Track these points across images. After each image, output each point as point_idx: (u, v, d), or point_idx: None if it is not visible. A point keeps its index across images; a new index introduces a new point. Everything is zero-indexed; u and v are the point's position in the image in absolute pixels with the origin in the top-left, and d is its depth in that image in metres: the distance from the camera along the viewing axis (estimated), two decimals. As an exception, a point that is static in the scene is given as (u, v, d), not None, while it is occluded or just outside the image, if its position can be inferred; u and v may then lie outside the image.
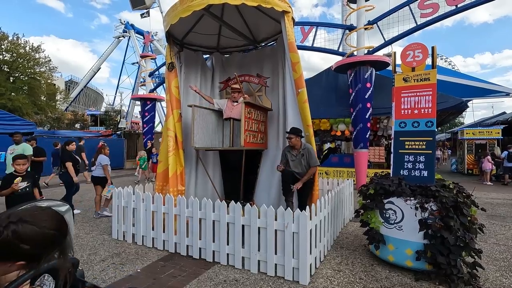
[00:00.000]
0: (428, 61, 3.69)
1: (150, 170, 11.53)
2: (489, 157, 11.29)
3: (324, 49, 10.34)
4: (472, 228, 3.11)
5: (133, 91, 35.43)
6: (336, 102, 10.63)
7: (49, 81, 23.89)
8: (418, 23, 8.55)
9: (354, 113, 9.20)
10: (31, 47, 21.67)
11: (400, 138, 3.63)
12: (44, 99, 23.28)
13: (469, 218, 3.09)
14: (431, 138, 3.44)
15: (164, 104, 27.97)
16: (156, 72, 18.76)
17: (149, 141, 12.29)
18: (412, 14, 8.65)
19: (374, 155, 11.14)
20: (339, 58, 9.70)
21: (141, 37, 33.22)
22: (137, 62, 31.82)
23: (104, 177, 5.73)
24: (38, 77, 22.12)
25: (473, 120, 22.21)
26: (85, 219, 5.62)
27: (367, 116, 9.01)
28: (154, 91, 17.79)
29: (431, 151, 3.43)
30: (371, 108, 9.04)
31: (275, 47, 5.48)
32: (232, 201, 3.56)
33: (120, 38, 40.49)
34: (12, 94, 19.54)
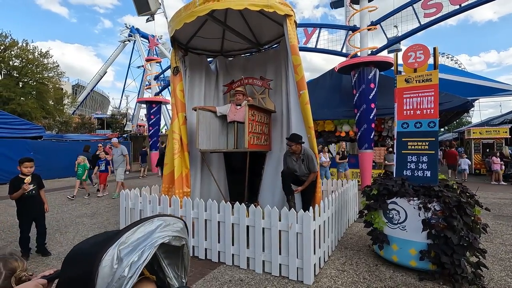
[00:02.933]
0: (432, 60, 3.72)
1: (92, 181, 9.56)
2: (494, 157, 11.14)
3: (328, 50, 10.37)
4: (476, 228, 3.12)
5: (138, 94, 35.91)
6: (340, 103, 10.63)
7: (57, 85, 24.33)
8: (422, 23, 8.54)
9: (358, 114, 9.20)
10: (39, 52, 22.12)
11: (403, 139, 3.65)
12: (52, 103, 23.68)
13: (472, 218, 3.10)
14: (434, 139, 3.46)
15: (169, 106, 28.26)
16: (161, 75, 18.99)
17: (99, 144, 9.53)
18: (416, 14, 8.65)
19: (379, 155, 11.11)
20: (342, 59, 9.72)
21: (146, 40, 33.67)
22: (143, 66, 32.19)
23: None
24: (46, 82, 22.55)
25: (480, 119, 21.94)
26: (93, 220, 5.73)
27: (371, 117, 9.01)
28: (160, 94, 18.00)
29: (433, 151, 3.44)
30: (375, 109, 9.04)
31: (278, 49, 5.54)
32: (237, 202, 3.62)
33: (125, 42, 41.06)
34: (21, 99, 19.94)
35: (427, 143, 3.48)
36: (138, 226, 0.93)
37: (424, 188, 3.32)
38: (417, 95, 3.54)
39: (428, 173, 3.45)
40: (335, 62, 9.87)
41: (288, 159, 4.36)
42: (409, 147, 3.59)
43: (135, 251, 0.85)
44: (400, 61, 3.96)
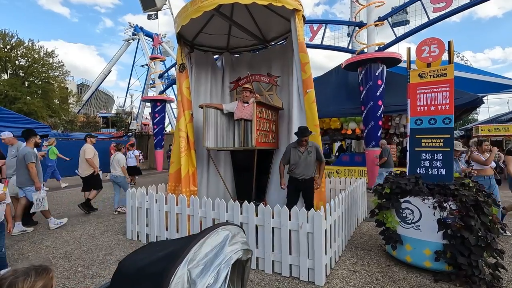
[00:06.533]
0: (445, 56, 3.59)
1: None
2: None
3: (334, 47, 10.25)
4: (494, 228, 3.01)
5: (142, 93, 35.96)
6: (347, 100, 10.49)
7: (62, 84, 24.42)
8: (431, 18, 8.38)
9: (365, 111, 9.07)
10: (45, 52, 22.21)
11: (417, 136, 3.54)
12: (58, 102, 23.80)
13: (490, 218, 2.99)
14: (449, 135, 3.35)
15: (173, 105, 28.29)
16: (165, 74, 19.00)
17: None
18: (424, 9, 8.49)
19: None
20: (346, 55, 9.59)
21: (150, 39, 33.67)
22: (147, 64, 32.22)
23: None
24: (51, 81, 22.65)
25: (488, 116, 21.60)
26: (99, 219, 5.71)
27: (378, 114, 8.87)
28: (164, 93, 18.01)
29: (449, 149, 3.34)
30: (382, 106, 8.90)
31: (285, 45, 5.45)
32: (246, 201, 3.55)
33: (129, 41, 41.11)
34: (28, 98, 20.05)
35: (442, 140, 3.37)
36: (204, 238, 0.82)
37: (439, 186, 3.22)
38: (431, 90, 3.43)
39: (443, 171, 3.35)
40: (338, 59, 9.72)
41: (293, 152, 4.09)
42: (423, 144, 3.48)
43: (209, 271, 0.74)
44: (413, 57, 3.85)
